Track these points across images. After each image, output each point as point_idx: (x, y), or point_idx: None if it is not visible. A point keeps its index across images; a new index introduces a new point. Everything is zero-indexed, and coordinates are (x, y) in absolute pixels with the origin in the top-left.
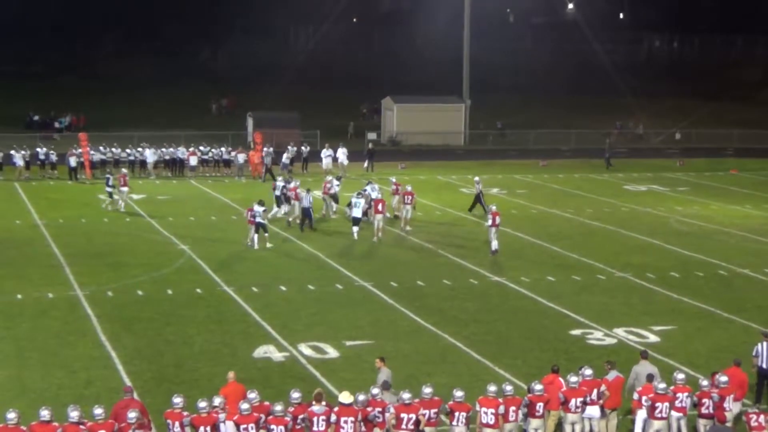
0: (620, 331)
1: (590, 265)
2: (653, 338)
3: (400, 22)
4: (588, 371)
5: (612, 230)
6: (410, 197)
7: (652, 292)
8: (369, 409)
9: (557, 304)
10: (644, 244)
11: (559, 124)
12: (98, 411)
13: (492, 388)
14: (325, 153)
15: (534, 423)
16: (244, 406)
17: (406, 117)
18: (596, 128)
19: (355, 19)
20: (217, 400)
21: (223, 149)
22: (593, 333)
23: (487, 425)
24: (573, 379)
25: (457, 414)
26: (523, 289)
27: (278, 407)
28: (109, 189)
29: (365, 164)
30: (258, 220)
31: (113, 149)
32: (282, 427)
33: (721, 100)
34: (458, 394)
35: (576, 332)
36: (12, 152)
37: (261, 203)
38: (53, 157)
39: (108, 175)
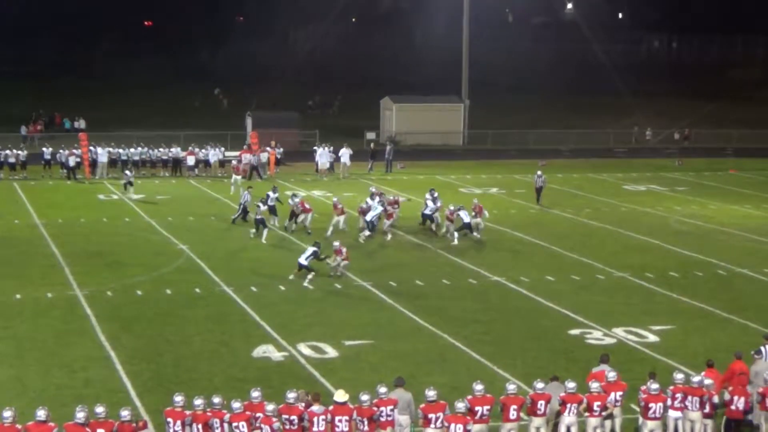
0: (619, 331)
1: (589, 264)
2: (652, 338)
3: (399, 22)
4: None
5: (611, 230)
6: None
7: (652, 291)
8: (375, 408)
9: (556, 303)
10: (643, 243)
11: (558, 124)
12: (99, 409)
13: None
14: (321, 152)
15: (536, 421)
16: (236, 404)
17: (405, 117)
18: (596, 128)
19: (354, 19)
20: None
21: (214, 150)
22: (592, 333)
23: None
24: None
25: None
26: (522, 288)
27: (270, 407)
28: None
29: (369, 165)
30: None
31: (121, 149)
32: (268, 427)
33: (721, 100)
34: (476, 386)
35: (575, 332)
36: (7, 152)
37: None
38: (67, 159)
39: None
